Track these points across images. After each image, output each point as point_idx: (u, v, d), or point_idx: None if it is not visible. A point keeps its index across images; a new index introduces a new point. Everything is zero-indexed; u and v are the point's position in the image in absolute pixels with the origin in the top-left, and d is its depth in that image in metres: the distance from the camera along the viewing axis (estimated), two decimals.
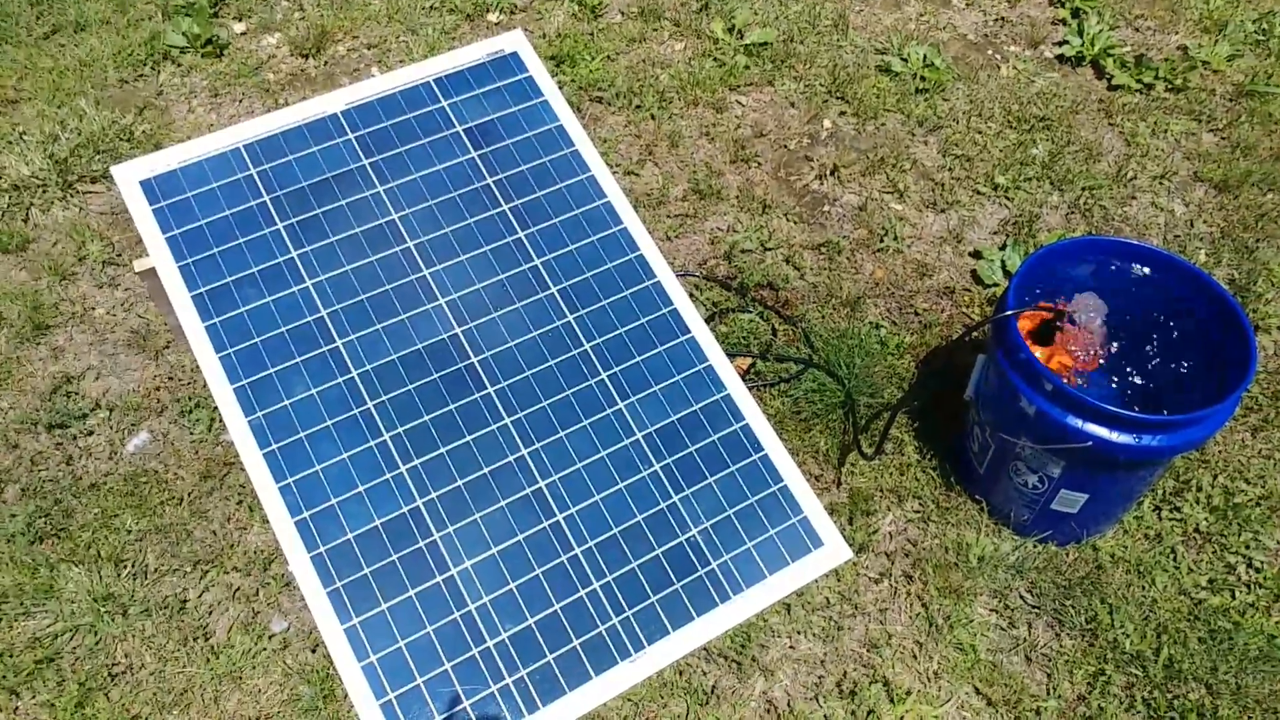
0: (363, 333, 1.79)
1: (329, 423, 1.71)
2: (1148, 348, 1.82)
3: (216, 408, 2.03)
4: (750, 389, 2.06)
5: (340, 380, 1.75)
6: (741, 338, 2.16)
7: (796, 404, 2.04)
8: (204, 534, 1.85)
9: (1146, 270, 1.78)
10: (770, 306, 2.21)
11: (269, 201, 1.87)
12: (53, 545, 1.84)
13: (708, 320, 2.18)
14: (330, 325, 1.80)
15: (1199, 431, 1.58)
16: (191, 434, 1.99)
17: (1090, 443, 1.57)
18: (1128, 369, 1.83)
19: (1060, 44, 2.82)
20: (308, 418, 1.71)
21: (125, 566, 1.82)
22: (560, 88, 2.63)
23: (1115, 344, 1.83)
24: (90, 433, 2.00)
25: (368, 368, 1.76)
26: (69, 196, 2.39)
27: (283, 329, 1.77)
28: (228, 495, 1.90)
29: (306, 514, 1.65)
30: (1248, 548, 1.87)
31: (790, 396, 2.06)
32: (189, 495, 1.90)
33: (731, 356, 2.08)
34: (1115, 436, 1.56)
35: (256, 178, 1.88)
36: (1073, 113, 2.64)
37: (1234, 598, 1.80)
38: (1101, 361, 1.83)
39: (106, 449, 1.98)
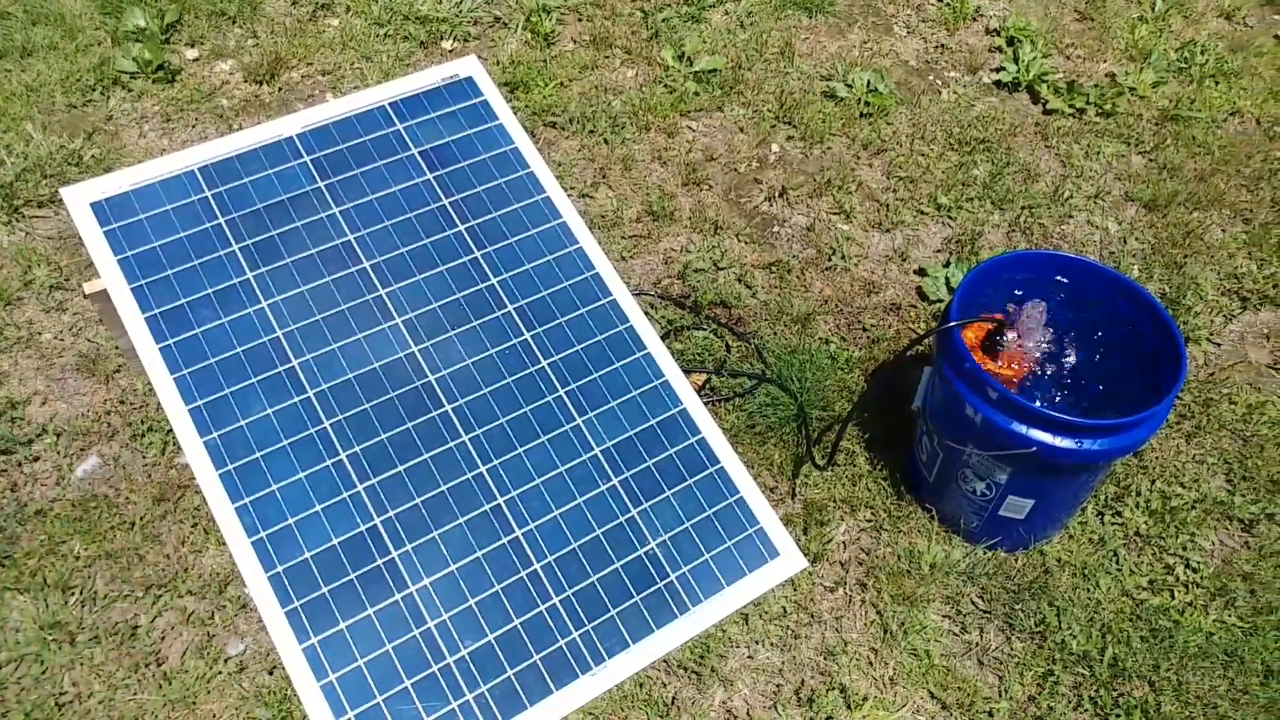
0: (319, 352, 1.79)
1: (285, 442, 1.71)
2: (1087, 357, 1.89)
3: (170, 431, 2.00)
4: (705, 404, 2.09)
5: (296, 400, 1.74)
6: (696, 354, 2.19)
7: (751, 418, 2.08)
8: (157, 558, 1.83)
9: (1084, 283, 1.85)
10: (723, 324, 2.25)
11: (224, 223, 1.87)
12: None
13: (663, 338, 2.22)
14: (286, 345, 1.80)
15: (1137, 435, 1.65)
16: (144, 458, 1.96)
17: (1034, 448, 1.63)
18: (1068, 377, 1.90)
19: (997, 70, 2.93)
20: (264, 438, 1.71)
21: (73, 593, 1.78)
22: (514, 113, 2.66)
23: (1056, 353, 1.90)
24: (36, 458, 1.96)
25: (324, 387, 1.77)
26: (14, 221, 2.36)
27: (238, 349, 1.77)
28: (182, 518, 1.88)
29: (264, 534, 1.64)
30: (1185, 549, 1.93)
31: (745, 411, 2.09)
32: (141, 519, 1.87)
33: (687, 373, 2.11)
34: (1058, 441, 1.62)
35: (211, 200, 1.88)
36: (1011, 135, 2.75)
37: (1173, 597, 1.87)
38: (1043, 369, 1.90)
39: (54, 474, 1.94)
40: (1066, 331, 1.89)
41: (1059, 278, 1.86)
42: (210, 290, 1.81)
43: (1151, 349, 1.76)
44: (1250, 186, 2.66)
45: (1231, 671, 1.76)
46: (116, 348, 2.13)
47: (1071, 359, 1.89)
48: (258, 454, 1.69)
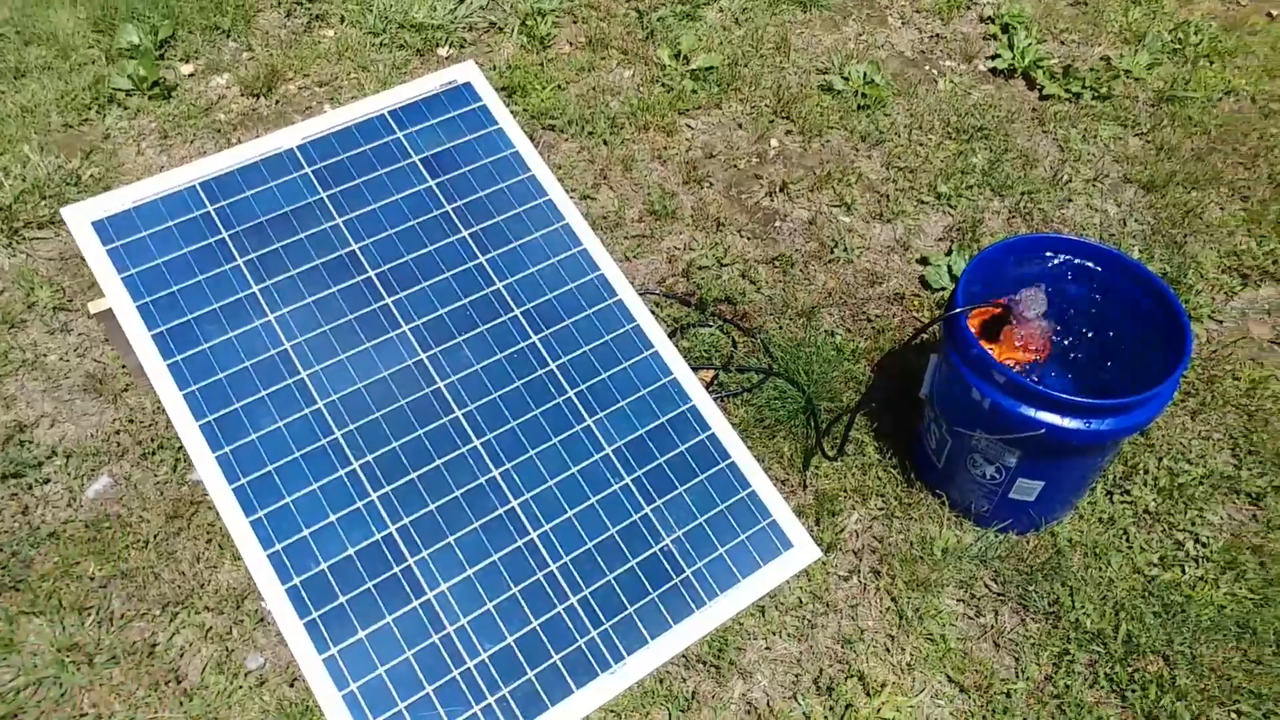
0: (327, 363, 1.80)
1: (298, 454, 1.72)
2: (1092, 338, 1.90)
3: (180, 448, 2.01)
4: (714, 400, 2.10)
5: (307, 411, 1.75)
6: (703, 351, 2.20)
7: (760, 412, 2.09)
8: (172, 575, 1.83)
9: (1086, 264, 1.86)
10: (729, 320, 2.26)
11: (227, 238, 1.88)
12: (11, 598, 1.81)
13: (670, 336, 2.23)
14: (294, 358, 1.80)
15: (1143, 414, 1.66)
16: (155, 476, 1.97)
17: (1043, 430, 1.63)
18: (1074, 358, 1.91)
19: (993, 58, 2.94)
20: (276, 450, 1.72)
21: (89, 614, 1.79)
22: (513, 117, 2.67)
23: (1061, 335, 1.91)
24: (47, 481, 1.97)
25: (334, 397, 1.77)
26: (15, 243, 2.36)
27: (247, 364, 1.77)
28: (196, 535, 1.89)
29: (279, 546, 1.64)
30: (1194, 524, 1.94)
31: (753, 405, 2.10)
32: (155, 537, 1.88)
33: (695, 370, 2.12)
34: (1066, 422, 1.62)
35: (214, 215, 1.89)
36: (1008, 122, 2.75)
37: (1184, 573, 1.87)
38: (1048, 352, 1.90)
39: (65, 496, 1.95)
40: (1071, 313, 1.89)
41: (1061, 260, 1.87)
42: (216, 305, 1.81)
43: (1156, 328, 1.76)
44: (1247, 164, 2.66)
45: (1244, 643, 1.77)
46: (123, 366, 2.14)
47: (1076, 340, 1.90)
48: (270, 467, 1.70)
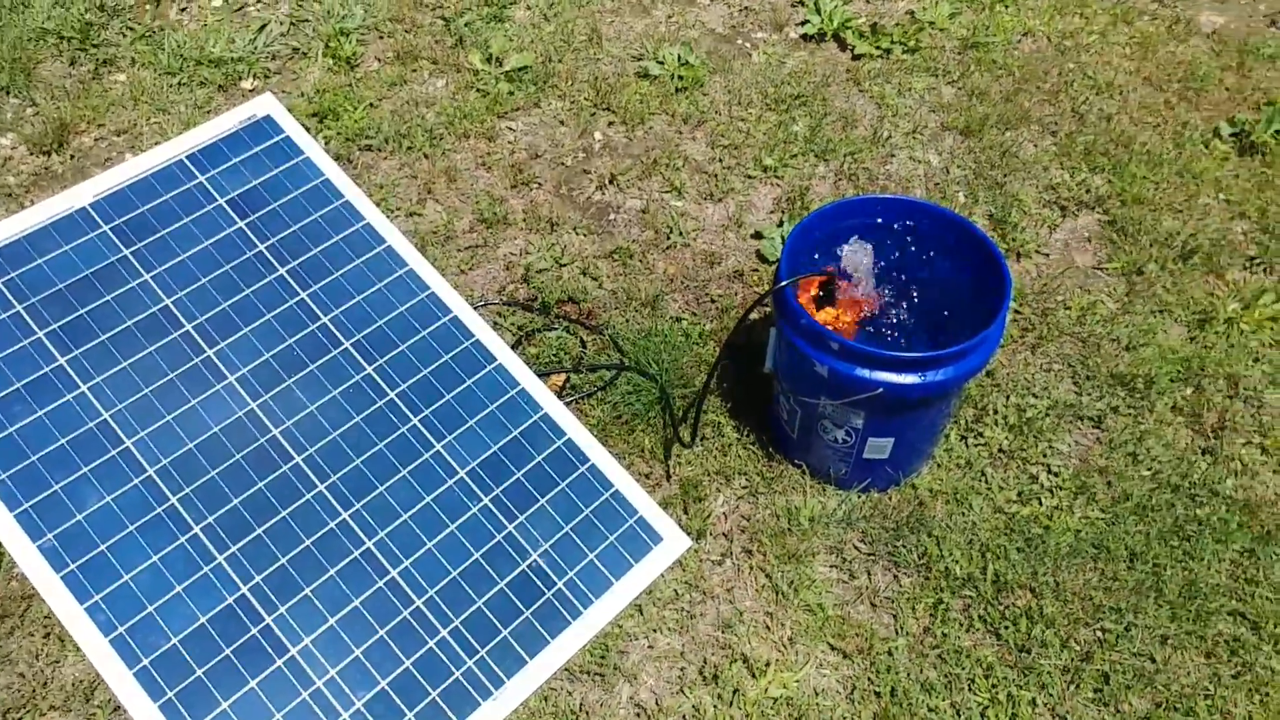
0: (152, 427, 1.70)
1: (131, 528, 1.62)
2: (924, 289, 1.94)
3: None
4: (568, 404, 2.07)
5: (137, 481, 1.65)
6: (552, 355, 2.17)
7: (616, 409, 2.07)
8: (9, 679, 1.70)
9: (903, 218, 1.90)
10: (575, 320, 2.23)
11: (23, 311, 1.75)
12: None
13: (515, 345, 2.19)
14: (116, 426, 1.69)
15: (976, 359, 1.70)
16: None
17: (881, 389, 1.66)
18: (910, 314, 1.96)
19: (802, 24, 2.99)
20: (106, 528, 1.61)
21: None
22: (327, 142, 2.58)
23: (895, 290, 1.95)
24: None
25: (164, 462, 1.67)
26: None
27: (62, 441, 1.66)
28: (31, 631, 1.76)
29: (122, 629, 1.55)
30: (1045, 456, 2.02)
31: (609, 403, 2.08)
32: None
33: (545, 375, 2.09)
34: (902, 379, 1.66)
35: (3, 287, 1.76)
36: (825, 86, 2.81)
37: (1041, 504, 1.95)
38: (885, 308, 1.94)
39: None
40: (898, 268, 1.94)
41: (878, 219, 1.90)
42: (19, 384, 1.69)
43: (981, 272, 1.82)
44: (1051, 100, 2.79)
45: (1101, 562, 1.85)
46: None
47: (909, 293, 1.94)
48: (102, 546, 1.60)
